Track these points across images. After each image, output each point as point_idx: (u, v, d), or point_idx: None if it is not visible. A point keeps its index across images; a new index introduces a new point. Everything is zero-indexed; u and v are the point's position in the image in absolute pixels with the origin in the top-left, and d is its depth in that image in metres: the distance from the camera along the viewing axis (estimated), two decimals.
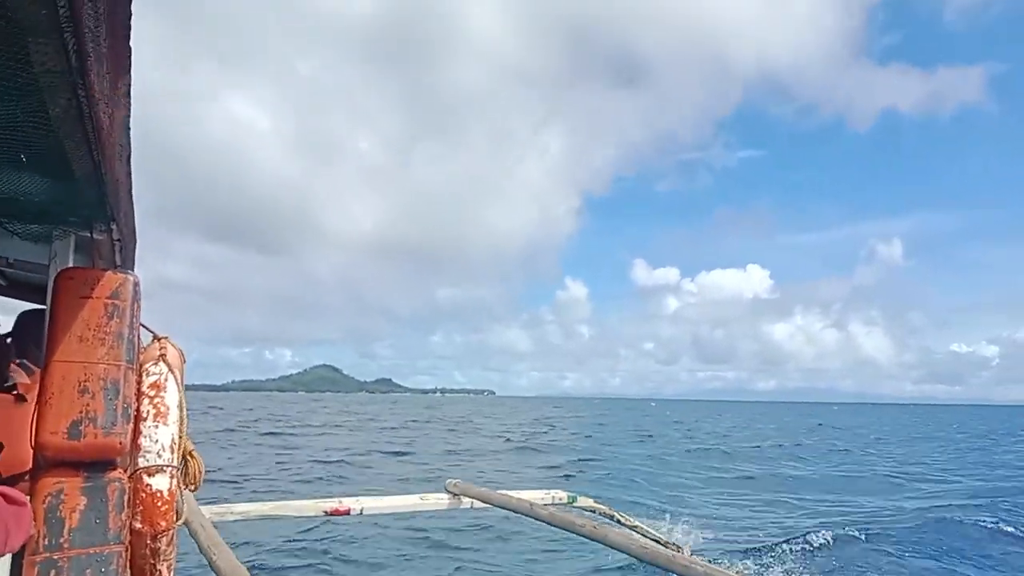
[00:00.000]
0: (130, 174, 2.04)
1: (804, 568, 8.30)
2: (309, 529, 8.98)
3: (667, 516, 11.01)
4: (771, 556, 8.81)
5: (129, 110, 1.57)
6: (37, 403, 2.06)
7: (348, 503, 5.19)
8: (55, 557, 1.96)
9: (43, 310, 2.82)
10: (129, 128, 1.66)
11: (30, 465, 2.25)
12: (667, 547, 6.02)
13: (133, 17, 1.14)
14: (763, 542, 9.72)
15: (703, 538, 9.62)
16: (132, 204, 2.42)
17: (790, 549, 9.11)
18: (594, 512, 6.32)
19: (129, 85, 1.44)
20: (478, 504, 5.65)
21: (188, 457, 3.29)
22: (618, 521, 6.32)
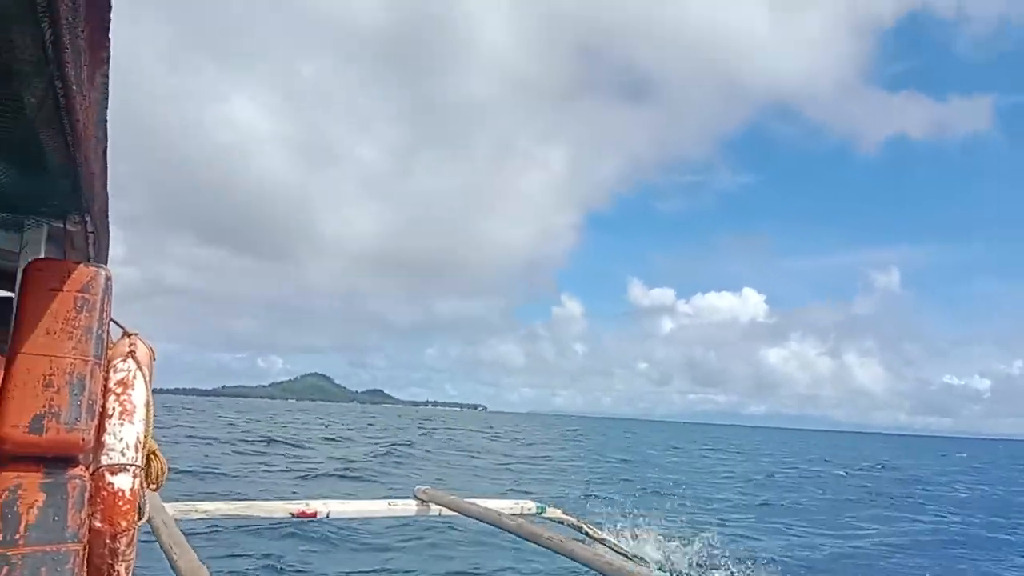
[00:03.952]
0: (106, 168, 2.00)
1: None
2: (275, 531, 8.96)
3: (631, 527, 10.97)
4: None
5: (106, 103, 1.56)
6: None
7: (315, 506, 5.19)
8: (9, 553, 1.88)
9: (7, 298, 2.86)
10: (106, 121, 1.63)
11: None
12: (632, 560, 6.09)
13: (112, 10, 1.14)
14: None
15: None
16: (107, 197, 2.37)
17: None
18: (562, 523, 6.38)
19: (107, 78, 1.43)
20: (446, 512, 5.68)
21: (151, 456, 3.36)
22: (586, 533, 6.38)
